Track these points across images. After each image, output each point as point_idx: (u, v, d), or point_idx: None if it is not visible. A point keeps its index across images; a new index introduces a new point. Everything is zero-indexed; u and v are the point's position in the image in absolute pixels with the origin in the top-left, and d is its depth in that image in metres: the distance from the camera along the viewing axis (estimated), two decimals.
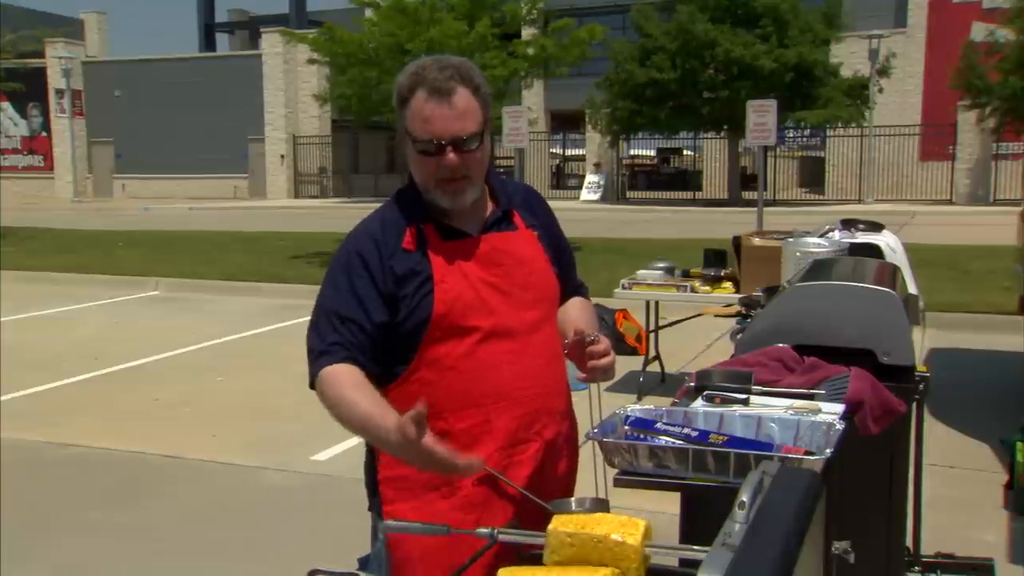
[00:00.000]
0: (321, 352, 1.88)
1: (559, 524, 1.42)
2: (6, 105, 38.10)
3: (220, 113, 35.20)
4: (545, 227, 2.11)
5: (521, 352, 1.95)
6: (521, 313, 1.97)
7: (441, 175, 1.89)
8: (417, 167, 1.93)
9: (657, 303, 6.89)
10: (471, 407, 1.91)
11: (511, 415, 1.93)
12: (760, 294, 3.55)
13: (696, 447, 1.77)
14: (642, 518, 1.38)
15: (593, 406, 1.93)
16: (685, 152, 39.96)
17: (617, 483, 1.82)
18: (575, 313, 2.13)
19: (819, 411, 2.04)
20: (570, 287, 2.18)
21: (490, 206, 2.04)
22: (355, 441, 5.62)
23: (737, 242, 6.08)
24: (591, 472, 1.86)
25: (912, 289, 3.95)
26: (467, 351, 1.91)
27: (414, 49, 13.91)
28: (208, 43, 45.21)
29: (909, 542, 2.97)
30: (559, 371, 2.05)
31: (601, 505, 1.54)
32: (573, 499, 1.58)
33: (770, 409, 2.08)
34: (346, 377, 1.83)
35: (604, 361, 1.93)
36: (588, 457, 1.94)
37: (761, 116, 10.68)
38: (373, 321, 1.89)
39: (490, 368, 1.92)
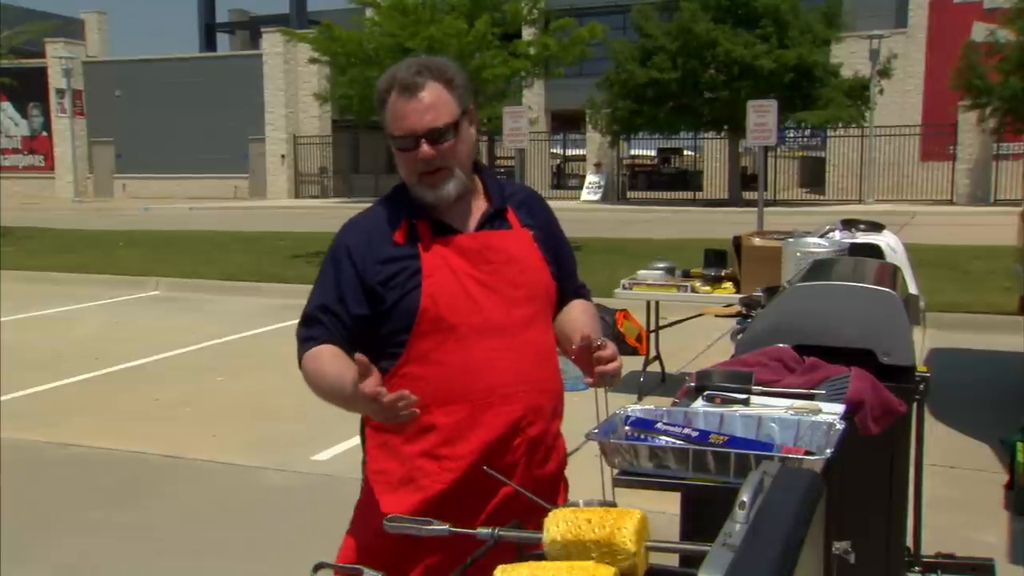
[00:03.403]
0: (305, 339, 2.00)
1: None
2: (6, 105, 38.10)
3: (220, 113, 35.20)
4: (543, 228, 2.12)
5: (509, 349, 1.97)
6: (510, 310, 1.98)
7: (420, 168, 1.95)
8: (401, 165, 2.00)
9: (657, 303, 6.89)
10: (457, 402, 1.94)
11: (497, 411, 1.95)
12: (760, 294, 3.55)
13: (696, 447, 1.77)
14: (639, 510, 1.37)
15: (600, 407, 1.92)
16: (685, 152, 39.94)
17: (617, 483, 1.82)
18: (579, 316, 2.14)
19: (819, 411, 2.04)
20: (570, 289, 2.19)
21: (484, 205, 2.06)
22: (356, 441, 5.62)
23: (737, 242, 6.08)
24: (592, 472, 1.86)
25: (913, 289, 3.95)
26: (454, 346, 1.94)
27: (414, 48, 13.90)
28: (208, 43, 45.21)
29: (909, 542, 2.97)
30: (549, 370, 2.06)
31: (608, 507, 1.53)
32: (581, 500, 1.57)
33: (770, 409, 2.08)
34: (324, 353, 1.95)
35: (611, 367, 1.93)
36: (592, 458, 1.94)
37: (761, 116, 10.69)
38: (351, 313, 1.97)
39: (477, 364, 1.94)
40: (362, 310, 1.96)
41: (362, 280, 1.96)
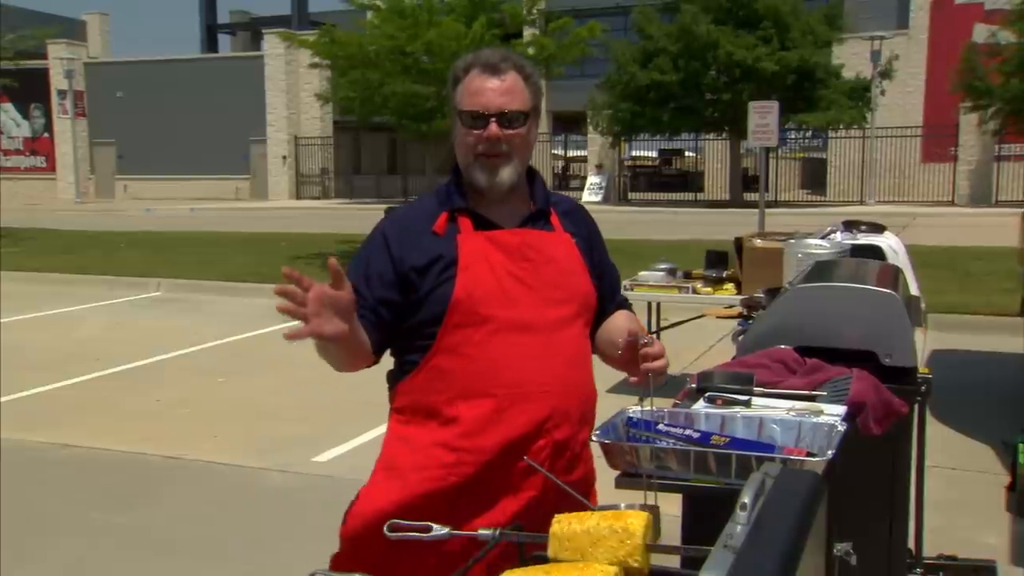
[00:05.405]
0: None
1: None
2: (8, 106, 38.14)
3: (222, 114, 35.23)
4: (586, 238, 2.12)
5: (540, 347, 1.94)
6: (545, 310, 1.97)
7: (483, 148, 1.96)
8: (461, 143, 2.00)
9: (659, 304, 6.88)
10: (483, 396, 1.91)
11: (521, 409, 1.91)
12: (762, 295, 3.55)
13: (698, 449, 1.76)
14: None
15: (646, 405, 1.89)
16: (687, 153, 39.99)
17: (619, 484, 1.81)
18: (623, 322, 2.11)
19: (821, 413, 2.04)
20: (613, 302, 2.19)
21: (529, 206, 2.07)
22: (357, 442, 5.64)
23: (739, 243, 6.08)
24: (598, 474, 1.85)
25: (914, 291, 3.95)
26: (483, 339, 1.92)
27: (413, 51, 13.91)
28: (210, 44, 45.25)
29: (911, 544, 2.97)
30: (581, 374, 2.02)
31: (651, 512, 1.49)
32: (623, 504, 1.52)
33: (772, 411, 2.08)
34: None
35: (658, 364, 1.89)
36: (598, 459, 1.92)
37: (763, 117, 10.70)
38: (376, 296, 1.96)
39: (505, 359, 1.92)
40: (389, 294, 1.95)
41: (395, 265, 1.96)
